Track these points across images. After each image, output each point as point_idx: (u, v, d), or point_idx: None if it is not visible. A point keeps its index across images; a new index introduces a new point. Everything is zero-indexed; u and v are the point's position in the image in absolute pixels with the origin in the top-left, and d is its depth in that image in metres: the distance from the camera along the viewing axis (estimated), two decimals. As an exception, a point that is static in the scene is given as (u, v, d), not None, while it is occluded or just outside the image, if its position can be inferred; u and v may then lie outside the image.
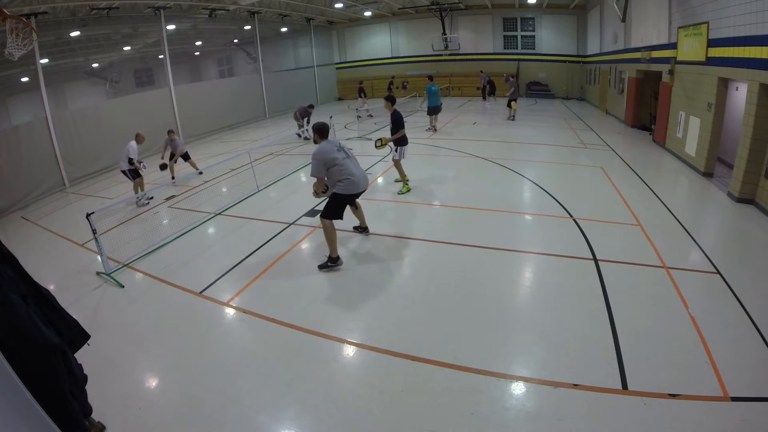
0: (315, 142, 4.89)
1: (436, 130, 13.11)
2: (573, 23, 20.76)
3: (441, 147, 10.92)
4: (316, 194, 4.92)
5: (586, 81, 20.77)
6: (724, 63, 6.86)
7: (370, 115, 17.08)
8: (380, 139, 7.30)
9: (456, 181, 8.23)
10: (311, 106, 13.60)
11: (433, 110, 12.91)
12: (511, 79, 15.24)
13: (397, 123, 7.16)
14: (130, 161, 7.78)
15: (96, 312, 4.41)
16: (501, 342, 3.51)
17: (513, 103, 14.50)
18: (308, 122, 13.09)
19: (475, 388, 3.00)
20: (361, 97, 17.61)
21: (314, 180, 4.76)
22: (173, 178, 9.12)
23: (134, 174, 8.00)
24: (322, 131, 4.86)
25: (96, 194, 9.19)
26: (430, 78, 13.88)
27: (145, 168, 8.08)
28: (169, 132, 9.47)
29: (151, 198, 8.06)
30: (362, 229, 5.74)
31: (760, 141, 6.01)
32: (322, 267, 4.84)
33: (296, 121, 13.59)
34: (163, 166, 9.10)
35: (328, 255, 4.85)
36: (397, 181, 7.74)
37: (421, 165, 9.31)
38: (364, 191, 4.99)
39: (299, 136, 12.98)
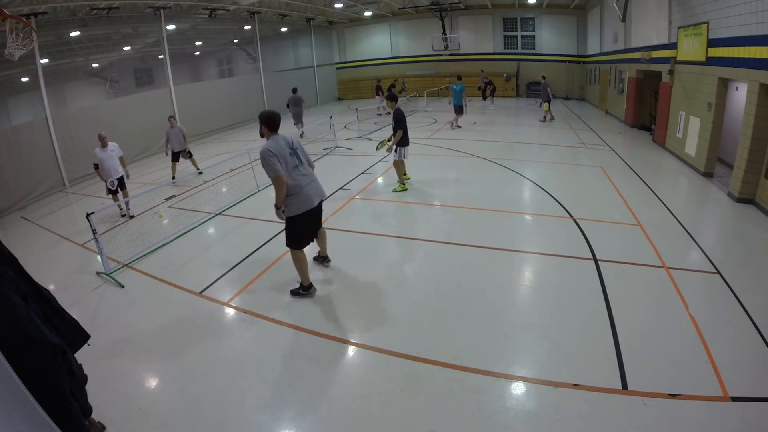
0: (261, 135, 3.99)
1: (452, 127, 13.38)
2: (573, 23, 20.76)
3: (441, 147, 10.92)
4: (280, 211, 3.97)
5: (586, 81, 20.77)
6: (724, 63, 6.86)
7: (389, 113, 17.23)
8: (381, 141, 7.29)
9: (456, 181, 8.23)
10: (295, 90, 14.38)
11: (456, 109, 13.43)
12: (544, 80, 15.05)
13: (398, 122, 7.05)
14: (95, 167, 7.05)
15: (96, 312, 4.41)
16: (501, 342, 3.51)
17: (546, 104, 14.30)
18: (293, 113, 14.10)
19: (475, 388, 3.00)
20: (378, 95, 17.71)
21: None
22: (174, 178, 9.12)
23: (108, 189, 7.12)
24: (270, 121, 3.89)
25: (96, 194, 9.18)
26: (459, 78, 14.68)
27: (115, 183, 7.07)
28: (170, 118, 9.42)
29: (132, 216, 7.17)
30: (322, 258, 4.90)
31: (760, 141, 6.01)
32: (294, 293, 4.33)
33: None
34: (186, 154, 9.32)
35: (299, 281, 4.32)
36: (398, 182, 7.70)
37: (421, 165, 9.31)
38: (319, 207, 4.23)
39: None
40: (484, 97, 20.24)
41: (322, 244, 4.82)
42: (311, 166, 4.25)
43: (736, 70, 6.51)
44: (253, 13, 17.85)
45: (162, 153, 10.01)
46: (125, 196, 7.23)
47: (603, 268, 4.54)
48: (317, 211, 4.27)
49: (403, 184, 7.46)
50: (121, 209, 7.26)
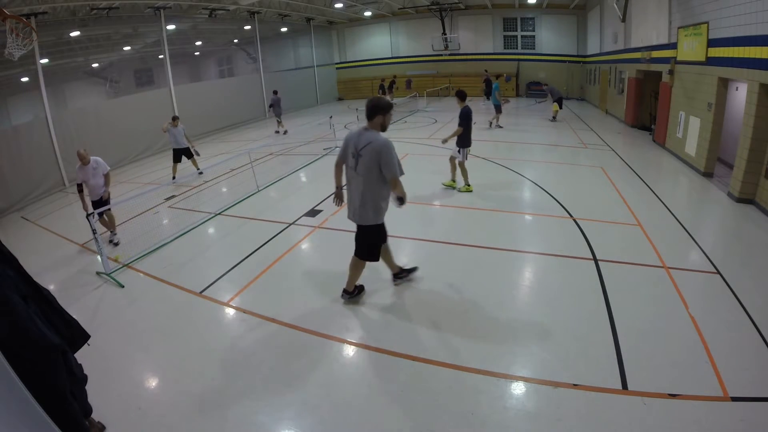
0: (383, 128, 3.65)
1: (491, 126, 13.49)
2: (573, 23, 20.76)
3: (441, 147, 10.89)
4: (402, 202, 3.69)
5: (586, 81, 20.77)
6: (724, 63, 6.86)
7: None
8: (445, 139, 7.17)
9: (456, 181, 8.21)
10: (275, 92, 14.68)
11: (495, 108, 13.59)
12: (545, 86, 15.77)
13: (464, 119, 6.77)
14: (79, 188, 5.87)
15: (96, 312, 4.41)
16: (501, 342, 3.51)
17: (555, 104, 14.50)
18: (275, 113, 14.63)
19: (475, 388, 3.00)
20: (389, 93, 17.98)
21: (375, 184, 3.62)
22: (174, 178, 9.11)
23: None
24: (381, 107, 3.59)
25: (96, 194, 9.19)
26: (497, 76, 15.06)
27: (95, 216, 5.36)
28: (174, 119, 9.35)
29: (117, 244, 6.13)
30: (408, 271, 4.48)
31: (760, 141, 6.01)
32: (348, 295, 4.15)
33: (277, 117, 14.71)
34: (194, 152, 9.32)
35: (346, 289, 4.15)
36: (465, 188, 7.30)
37: (421, 165, 9.31)
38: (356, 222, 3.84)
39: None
40: (488, 97, 20.19)
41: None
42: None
43: (736, 70, 6.51)
44: (253, 13, 17.85)
45: (162, 153, 9.96)
46: (110, 223, 6.18)
47: (603, 268, 4.54)
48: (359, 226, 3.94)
49: (453, 181, 7.27)
50: (112, 234, 6.22)
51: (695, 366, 3.07)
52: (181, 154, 9.39)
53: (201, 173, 9.41)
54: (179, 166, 9.53)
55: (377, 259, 4.03)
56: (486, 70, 20.87)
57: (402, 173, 3.63)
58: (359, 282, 4.19)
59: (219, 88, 17.03)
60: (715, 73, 7.21)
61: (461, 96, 7.00)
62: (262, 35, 18.79)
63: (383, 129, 3.67)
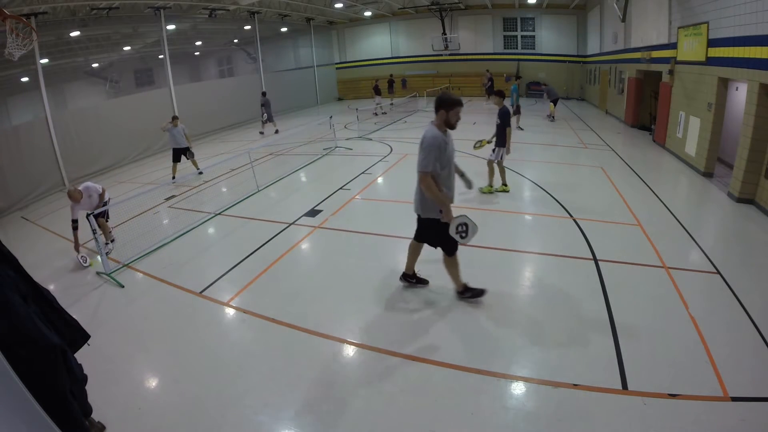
0: (452, 125, 3.58)
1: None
2: (573, 23, 20.76)
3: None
4: (448, 213, 3.56)
5: (586, 81, 20.76)
6: (724, 63, 6.86)
7: (385, 113, 17.56)
8: (481, 141, 7.08)
9: (456, 181, 8.20)
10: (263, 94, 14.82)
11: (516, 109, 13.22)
12: (544, 86, 15.97)
13: (507, 118, 6.72)
14: (73, 225, 5.60)
15: (96, 312, 4.41)
16: (501, 342, 3.51)
17: (552, 105, 14.64)
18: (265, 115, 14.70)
19: (475, 388, 3.00)
20: (379, 94, 18.01)
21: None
22: (174, 178, 9.11)
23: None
24: (443, 102, 3.49)
25: (96, 194, 9.19)
26: (516, 77, 14.91)
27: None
28: (174, 118, 9.38)
29: (88, 265, 5.49)
30: (420, 280, 4.34)
31: (760, 141, 6.01)
32: (464, 294, 4.00)
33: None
34: (190, 154, 9.32)
35: (462, 288, 4.01)
36: (501, 189, 7.18)
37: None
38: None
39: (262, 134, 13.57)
40: (488, 96, 20.13)
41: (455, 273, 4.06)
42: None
43: (736, 70, 6.51)
44: (253, 13, 17.85)
45: (162, 153, 9.96)
46: (107, 234, 5.88)
47: (603, 268, 4.54)
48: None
49: (491, 186, 7.11)
50: (83, 260, 5.54)
51: (695, 366, 3.07)
52: (180, 153, 9.39)
53: (201, 173, 9.42)
54: (179, 166, 9.53)
55: (451, 254, 3.88)
56: (488, 70, 20.87)
57: (435, 169, 3.46)
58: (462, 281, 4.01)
59: (219, 88, 17.03)
60: (715, 73, 7.21)
61: (501, 95, 6.99)
62: (262, 35, 18.79)
63: (449, 126, 3.58)
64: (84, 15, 11.45)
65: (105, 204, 5.85)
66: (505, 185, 7.23)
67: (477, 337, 3.58)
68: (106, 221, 5.94)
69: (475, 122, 14.82)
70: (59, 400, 2.25)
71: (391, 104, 18.97)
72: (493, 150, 7.02)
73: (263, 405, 2.97)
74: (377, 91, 18.02)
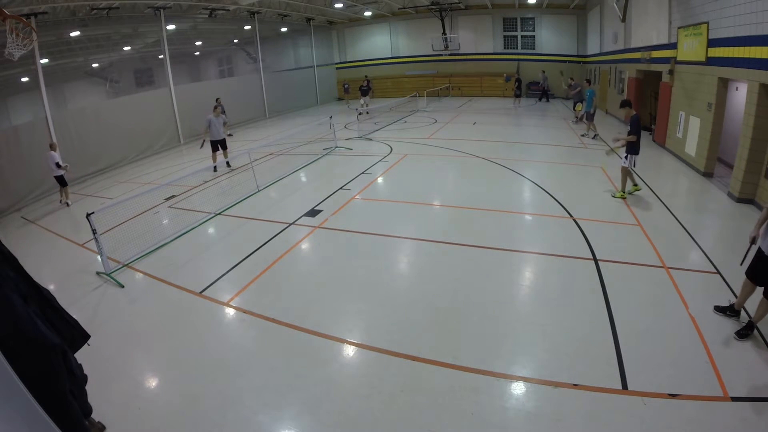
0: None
1: (591, 136, 11.94)
2: (573, 23, 20.75)
3: (441, 147, 10.91)
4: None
5: (585, 81, 20.70)
6: (724, 63, 6.86)
7: (368, 112, 17.41)
8: (617, 141, 6.90)
9: (456, 182, 8.23)
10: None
11: (587, 116, 12.17)
12: (573, 82, 14.94)
13: (636, 126, 6.63)
14: (58, 165, 8.13)
15: (96, 312, 4.41)
16: (501, 342, 3.51)
17: (578, 105, 13.84)
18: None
19: (475, 388, 3.00)
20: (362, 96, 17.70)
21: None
22: (215, 170, 9.56)
23: (62, 181, 8.39)
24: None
25: (96, 194, 9.19)
26: (588, 81, 13.88)
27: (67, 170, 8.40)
28: (215, 108, 9.69)
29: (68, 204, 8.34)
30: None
31: (760, 141, 6.01)
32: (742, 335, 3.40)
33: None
34: (224, 144, 9.62)
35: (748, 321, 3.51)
36: (632, 190, 6.89)
37: (421, 165, 9.31)
38: None
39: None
40: (518, 96, 19.62)
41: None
42: None
43: (736, 70, 6.51)
44: (253, 13, 17.85)
45: (164, 152, 9.96)
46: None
47: (603, 268, 4.54)
48: None
49: (624, 192, 6.82)
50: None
51: (695, 366, 3.07)
52: (218, 144, 9.79)
53: (230, 166, 9.86)
54: (218, 156, 9.95)
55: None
56: (515, 73, 20.29)
57: None
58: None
59: (219, 88, 16.98)
60: (715, 73, 7.21)
61: (630, 105, 6.86)
62: (262, 35, 18.79)
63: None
64: (84, 15, 11.45)
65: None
66: (636, 185, 6.94)
67: (477, 337, 3.57)
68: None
69: (475, 122, 14.82)
70: (59, 400, 2.25)
71: (364, 105, 18.04)
72: (626, 157, 6.81)
73: (263, 405, 2.97)
74: (363, 93, 18.08)
